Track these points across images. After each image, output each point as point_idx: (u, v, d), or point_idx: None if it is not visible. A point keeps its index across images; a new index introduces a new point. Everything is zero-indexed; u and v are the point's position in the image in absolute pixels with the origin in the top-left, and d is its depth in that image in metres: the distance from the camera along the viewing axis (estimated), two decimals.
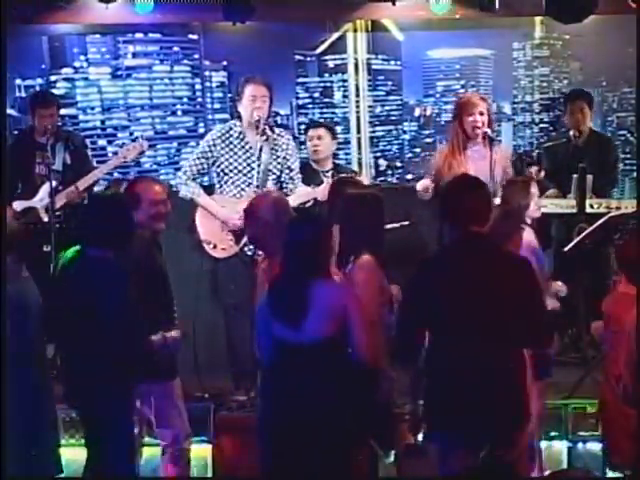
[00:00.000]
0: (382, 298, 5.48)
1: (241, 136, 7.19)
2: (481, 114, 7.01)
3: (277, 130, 7.32)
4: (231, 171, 7.18)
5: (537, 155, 7.96)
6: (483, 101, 7.12)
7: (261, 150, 7.06)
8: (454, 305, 4.77)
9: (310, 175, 7.53)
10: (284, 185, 7.23)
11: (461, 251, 4.88)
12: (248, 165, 7.16)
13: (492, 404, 4.73)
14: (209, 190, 7.36)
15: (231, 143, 7.19)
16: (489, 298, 4.77)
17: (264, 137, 7.05)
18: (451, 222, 4.96)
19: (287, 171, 7.24)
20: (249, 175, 7.13)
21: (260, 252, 6.34)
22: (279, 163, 7.21)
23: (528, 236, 5.96)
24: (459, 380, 4.74)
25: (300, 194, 7.15)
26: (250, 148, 7.16)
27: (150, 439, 6.05)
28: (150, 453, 6.14)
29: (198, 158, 7.23)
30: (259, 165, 7.04)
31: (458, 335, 4.74)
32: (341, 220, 5.44)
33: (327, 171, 7.62)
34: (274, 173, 7.19)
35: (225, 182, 7.21)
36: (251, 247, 7.05)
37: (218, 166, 7.20)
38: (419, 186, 7.17)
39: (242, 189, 7.16)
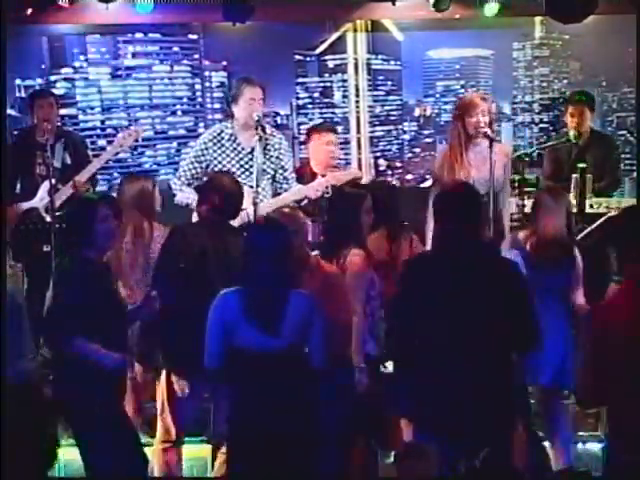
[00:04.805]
0: (373, 292, 5.72)
1: (233, 137, 7.17)
2: (483, 115, 7.00)
3: (269, 130, 7.29)
4: None
5: (537, 155, 7.95)
6: (485, 101, 7.10)
7: (253, 150, 7.04)
8: (447, 309, 4.75)
9: (311, 177, 7.49)
10: (278, 185, 7.23)
11: (453, 254, 4.87)
12: (241, 166, 7.15)
13: (485, 407, 4.73)
14: None
15: (223, 145, 7.18)
16: (481, 301, 4.76)
17: (256, 137, 7.03)
18: (441, 226, 4.94)
19: (281, 171, 7.23)
20: (243, 176, 7.12)
21: None
22: (272, 163, 7.20)
23: None
24: (452, 385, 4.73)
25: (291, 193, 7.13)
26: (242, 149, 7.16)
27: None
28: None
29: (191, 163, 7.22)
30: (251, 166, 7.02)
31: (451, 339, 4.73)
32: (328, 216, 5.80)
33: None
34: (268, 173, 7.19)
35: None
36: None
37: (212, 169, 7.19)
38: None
39: None
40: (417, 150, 9.36)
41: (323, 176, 7.39)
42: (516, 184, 7.34)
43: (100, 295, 5.28)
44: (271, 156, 7.17)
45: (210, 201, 5.87)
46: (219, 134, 7.19)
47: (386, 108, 9.33)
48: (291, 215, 5.72)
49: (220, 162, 7.15)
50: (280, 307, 4.88)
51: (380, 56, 9.21)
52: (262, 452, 4.85)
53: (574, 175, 7.33)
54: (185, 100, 9.30)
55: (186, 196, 7.09)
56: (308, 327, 4.92)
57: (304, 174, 7.53)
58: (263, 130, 7.08)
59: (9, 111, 8.55)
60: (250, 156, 7.06)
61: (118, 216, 5.45)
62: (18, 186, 7.73)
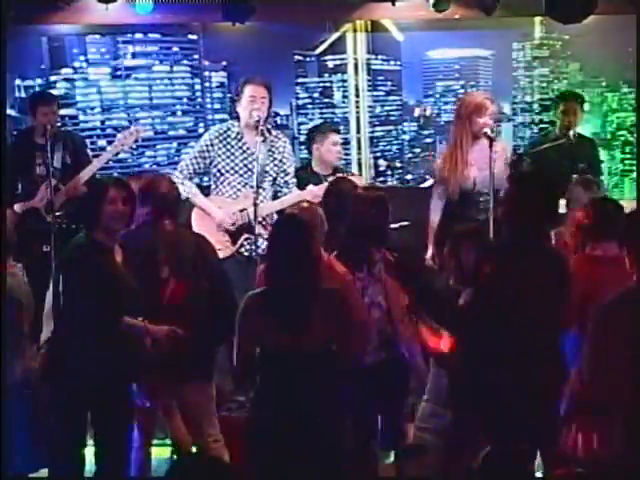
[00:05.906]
0: None
1: (239, 136, 7.19)
2: (491, 117, 7.04)
3: (274, 132, 7.31)
4: (227, 171, 7.18)
5: (531, 155, 7.94)
6: (493, 104, 7.15)
7: (257, 151, 7.04)
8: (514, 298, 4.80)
9: (311, 178, 7.49)
10: (278, 188, 7.22)
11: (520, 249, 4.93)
12: (245, 166, 7.16)
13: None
14: (205, 192, 7.36)
15: (228, 143, 7.19)
16: (542, 292, 4.84)
17: (262, 138, 7.03)
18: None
19: (282, 174, 7.24)
20: (245, 176, 7.13)
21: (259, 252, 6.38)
22: (275, 165, 7.20)
23: None
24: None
25: (291, 196, 7.11)
26: (247, 149, 7.16)
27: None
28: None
29: (195, 157, 7.23)
30: (254, 166, 7.02)
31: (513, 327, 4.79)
32: (348, 220, 5.55)
33: (329, 175, 7.54)
34: (270, 175, 7.19)
35: (221, 182, 7.21)
36: (248, 247, 7.06)
37: (215, 166, 7.20)
38: None
39: (238, 189, 7.16)
40: (417, 150, 9.36)
41: (325, 176, 7.40)
42: None
43: (104, 277, 5.25)
44: (275, 158, 7.18)
45: (146, 205, 5.64)
46: (226, 131, 7.21)
47: (386, 108, 9.32)
48: (311, 210, 5.62)
49: (224, 160, 7.17)
50: (306, 305, 4.82)
51: (380, 56, 9.20)
52: (286, 449, 4.82)
53: (574, 175, 7.34)
54: (185, 100, 9.29)
55: (187, 190, 7.11)
56: (335, 325, 4.83)
57: (304, 174, 7.54)
58: (269, 131, 7.11)
59: (9, 111, 8.56)
60: (254, 156, 7.07)
61: (129, 201, 5.40)
62: (18, 186, 7.74)
